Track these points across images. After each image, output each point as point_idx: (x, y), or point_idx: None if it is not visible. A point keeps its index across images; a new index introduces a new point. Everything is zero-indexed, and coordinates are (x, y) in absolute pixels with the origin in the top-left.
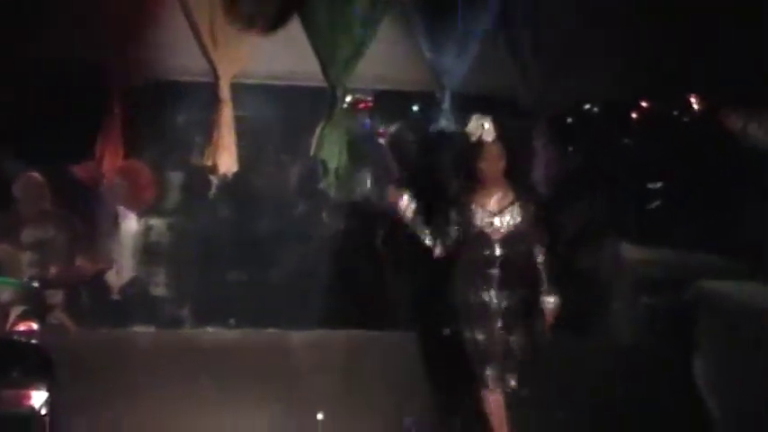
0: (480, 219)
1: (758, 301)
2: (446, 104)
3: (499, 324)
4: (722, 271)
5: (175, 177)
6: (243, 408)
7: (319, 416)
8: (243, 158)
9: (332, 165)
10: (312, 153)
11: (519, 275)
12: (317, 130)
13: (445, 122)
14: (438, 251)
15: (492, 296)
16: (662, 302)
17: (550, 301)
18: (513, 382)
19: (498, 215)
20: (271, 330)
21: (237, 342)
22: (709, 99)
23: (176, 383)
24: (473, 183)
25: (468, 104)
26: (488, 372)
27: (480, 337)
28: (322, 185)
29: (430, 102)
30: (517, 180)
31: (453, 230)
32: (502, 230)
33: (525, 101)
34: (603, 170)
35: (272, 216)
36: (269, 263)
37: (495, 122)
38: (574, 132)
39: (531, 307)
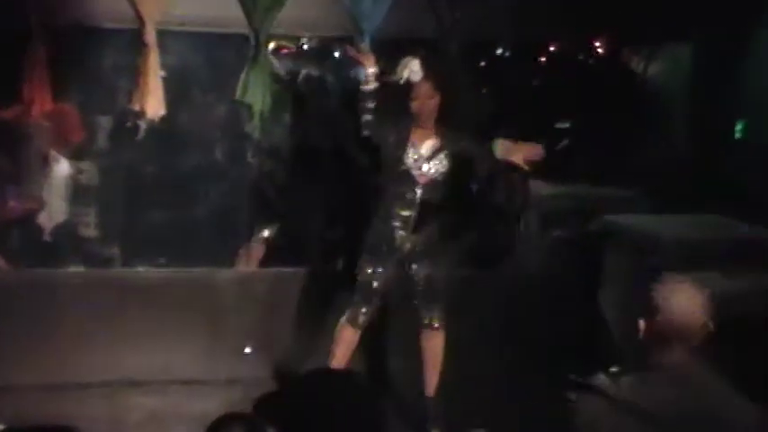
0: (410, 158)
1: (656, 231)
2: (366, 49)
3: (408, 262)
4: (624, 203)
5: (103, 121)
6: (172, 343)
7: (247, 350)
8: (169, 103)
9: (256, 108)
10: (237, 97)
11: (434, 217)
12: (242, 75)
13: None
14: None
15: (402, 235)
16: (569, 234)
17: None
18: (432, 318)
19: (427, 161)
20: (197, 269)
21: (166, 280)
22: (611, 41)
23: (107, 321)
24: (406, 125)
25: (387, 48)
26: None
27: (380, 273)
28: (247, 128)
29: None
30: (449, 123)
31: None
32: (427, 176)
33: (440, 43)
34: (514, 110)
35: (198, 158)
36: (195, 203)
37: (424, 63)
38: (486, 74)
39: (441, 244)
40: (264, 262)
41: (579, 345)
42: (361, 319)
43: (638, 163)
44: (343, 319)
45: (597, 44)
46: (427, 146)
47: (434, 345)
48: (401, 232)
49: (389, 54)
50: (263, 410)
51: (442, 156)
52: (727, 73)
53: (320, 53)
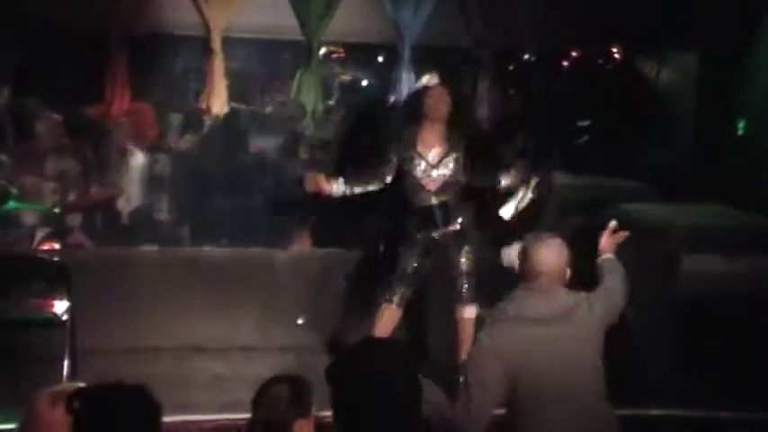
0: (420, 171)
1: (663, 220)
2: (406, 54)
3: (443, 247)
4: (636, 193)
5: (175, 118)
6: (233, 314)
7: (299, 321)
8: (232, 102)
9: (309, 107)
10: (292, 97)
11: (454, 211)
12: (296, 78)
13: (405, 72)
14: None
15: (433, 233)
16: (585, 222)
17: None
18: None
19: (436, 168)
20: (257, 249)
21: (228, 259)
22: (627, 48)
23: (176, 294)
24: (416, 128)
25: (424, 55)
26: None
27: (415, 258)
28: (300, 126)
29: (392, 53)
30: (455, 129)
31: (390, 168)
32: (437, 181)
33: (473, 49)
34: (538, 110)
35: (257, 152)
36: (255, 192)
37: (442, 74)
38: (513, 77)
39: (468, 232)
40: (315, 244)
41: None
42: (400, 299)
43: (649, 158)
44: (385, 299)
45: (614, 50)
46: (434, 153)
47: (467, 317)
48: (430, 224)
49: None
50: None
51: (448, 160)
52: (729, 76)
53: (366, 58)
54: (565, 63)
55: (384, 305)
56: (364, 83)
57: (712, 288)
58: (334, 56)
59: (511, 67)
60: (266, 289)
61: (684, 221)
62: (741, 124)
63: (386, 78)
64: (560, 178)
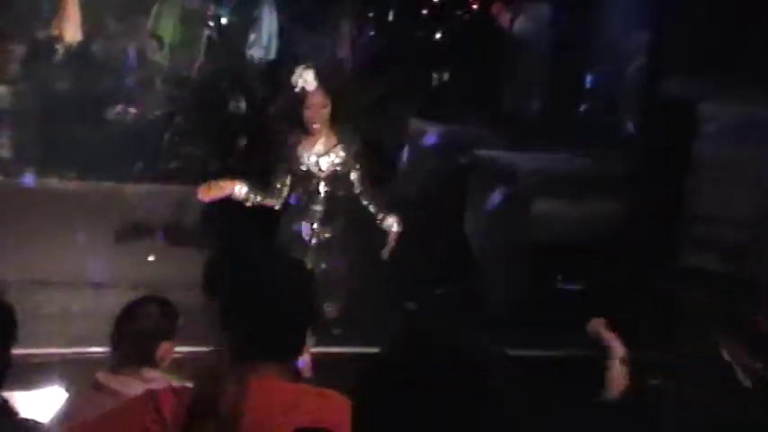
0: (307, 159)
1: (514, 165)
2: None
3: (317, 255)
4: (489, 140)
5: (19, 48)
6: (84, 250)
7: (150, 258)
8: (85, 29)
9: (167, 39)
10: (149, 27)
11: (342, 210)
12: (155, 7)
13: (267, 9)
14: (276, 205)
15: (313, 229)
16: (442, 166)
17: (392, 222)
18: (331, 311)
19: (323, 155)
20: (107, 183)
21: (77, 193)
22: None
23: (23, 227)
24: (300, 130)
25: None
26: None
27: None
28: (157, 57)
29: None
30: (342, 125)
31: (285, 183)
32: (326, 170)
33: None
34: (398, 55)
35: (111, 82)
36: (107, 122)
37: (318, 74)
38: (375, 21)
39: (351, 238)
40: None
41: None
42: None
43: (503, 105)
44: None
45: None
46: (320, 144)
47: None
48: (310, 227)
49: None
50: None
51: (337, 149)
52: (579, 29)
53: None
54: (425, 11)
55: None
56: (224, 20)
57: (558, 233)
58: None
59: (372, 10)
60: (116, 224)
61: (534, 167)
62: (589, 77)
63: (247, 15)
64: (418, 124)
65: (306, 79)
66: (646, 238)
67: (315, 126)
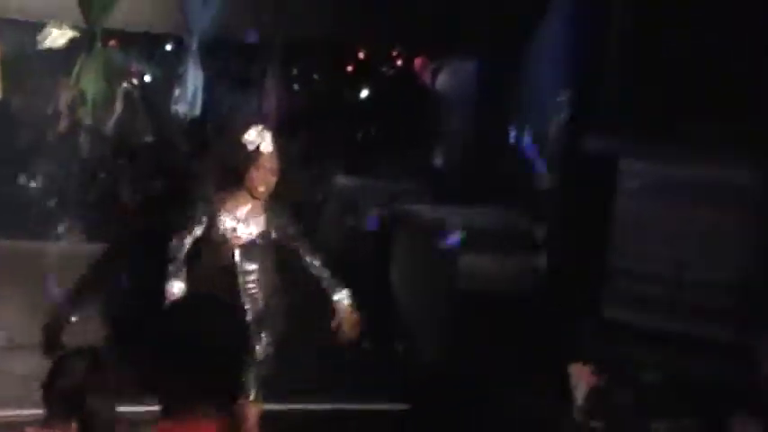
0: (224, 224)
1: (439, 220)
2: (194, 47)
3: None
4: (414, 194)
5: None
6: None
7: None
8: (7, 87)
9: (89, 94)
10: (72, 83)
11: (263, 284)
12: (78, 64)
13: (192, 66)
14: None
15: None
16: (364, 222)
17: (343, 296)
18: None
19: (243, 222)
20: (24, 241)
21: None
22: (408, 51)
23: None
24: (232, 189)
25: (214, 47)
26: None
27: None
28: (80, 112)
29: (180, 45)
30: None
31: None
32: (245, 238)
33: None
34: (321, 110)
35: (33, 135)
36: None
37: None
38: (299, 76)
39: (276, 312)
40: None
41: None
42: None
43: (428, 162)
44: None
45: (396, 54)
46: (244, 209)
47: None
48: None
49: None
50: None
51: (260, 218)
52: (502, 84)
53: (152, 49)
54: (350, 67)
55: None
56: (147, 78)
57: (482, 286)
58: (112, 43)
59: (296, 66)
60: (32, 283)
61: (459, 222)
62: (513, 132)
63: (172, 71)
64: (341, 179)
65: (265, 140)
66: (567, 291)
67: (260, 189)
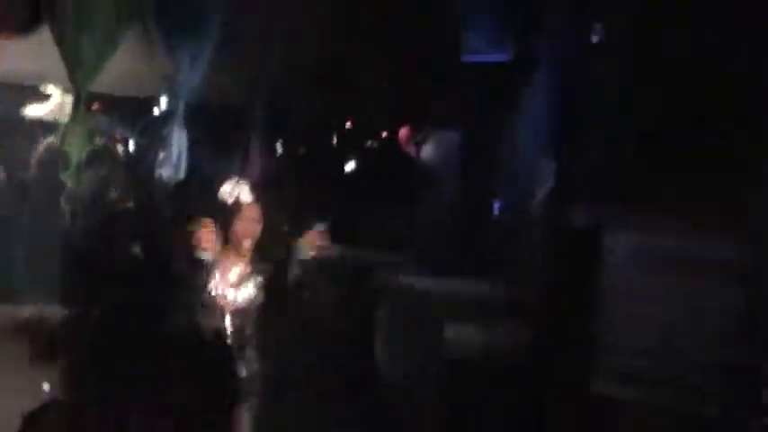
0: (215, 288)
1: (426, 291)
2: (179, 111)
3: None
4: (399, 265)
5: None
6: None
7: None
8: None
9: (74, 158)
10: (57, 145)
11: (254, 346)
12: (63, 127)
13: (177, 129)
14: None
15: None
16: (352, 290)
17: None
18: None
19: (235, 287)
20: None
21: None
22: (390, 126)
23: None
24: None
25: (199, 112)
26: None
27: None
28: (62, 176)
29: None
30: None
31: None
32: (235, 304)
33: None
34: (307, 181)
35: (13, 199)
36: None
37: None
38: (285, 147)
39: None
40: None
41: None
42: None
43: (411, 232)
44: None
45: (378, 128)
46: (235, 273)
47: None
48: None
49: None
50: None
51: (250, 282)
52: (486, 155)
53: (136, 113)
54: (335, 139)
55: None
56: (131, 141)
57: (468, 357)
58: (95, 107)
59: (281, 137)
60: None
61: (445, 292)
62: (496, 204)
63: (156, 135)
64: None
65: (243, 191)
66: (554, 365)
67: (246, 241)
